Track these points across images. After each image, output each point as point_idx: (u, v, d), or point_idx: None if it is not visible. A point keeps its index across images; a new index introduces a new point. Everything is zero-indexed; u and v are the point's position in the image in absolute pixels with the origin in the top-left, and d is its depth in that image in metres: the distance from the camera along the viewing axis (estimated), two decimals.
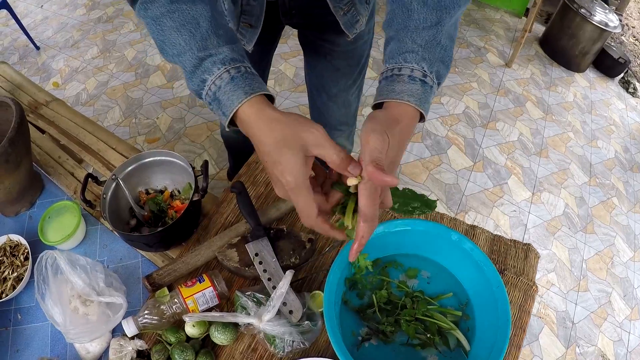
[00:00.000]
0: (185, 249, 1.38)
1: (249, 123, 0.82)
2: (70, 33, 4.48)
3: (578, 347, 2.59)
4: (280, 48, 1.66)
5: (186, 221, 1.35)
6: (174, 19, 0.86)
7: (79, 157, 1.74)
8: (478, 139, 3.60)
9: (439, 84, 0.88)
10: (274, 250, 1.25)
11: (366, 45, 1.69)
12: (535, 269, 1.35)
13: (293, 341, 1.11)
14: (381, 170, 0.73)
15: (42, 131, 1.84)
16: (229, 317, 1.11)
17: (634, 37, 5.19)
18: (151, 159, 1.47)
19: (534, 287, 1.30)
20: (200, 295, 1.17)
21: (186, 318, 1.12)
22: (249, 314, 1.11)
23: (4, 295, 1.33)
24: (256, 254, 1.23)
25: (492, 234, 1.42)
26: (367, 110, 3.67)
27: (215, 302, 1.20)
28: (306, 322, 1.12)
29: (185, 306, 1.17)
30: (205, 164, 1.36)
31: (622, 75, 4.59)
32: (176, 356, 1.11)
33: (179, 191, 1.53)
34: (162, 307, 1.16)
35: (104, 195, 1.37)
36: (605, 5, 4.30)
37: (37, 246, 1.42)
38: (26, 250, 1.40)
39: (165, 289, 1.27)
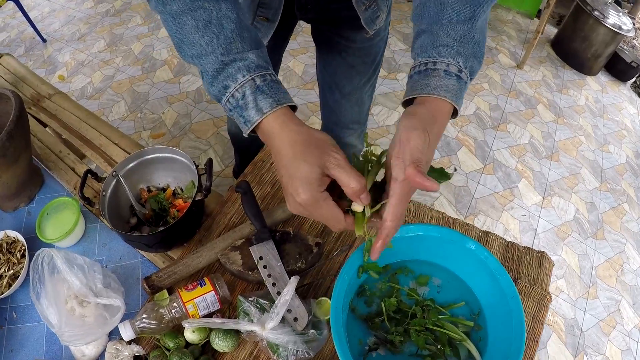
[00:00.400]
0: (187, 250, 1.34)
1: (272, 134, 0.81)
2: (77, 26, 4.45)
3: (586, 355, 2.54)
4: (289, 44, 1.65)
5: (188, 221, 1.30)
6: (196, 18, 0.82)
7: (80, 152, 1.71)
8: (489, 140, 3.55)
9: (470, 79, 0.87)
10: (279, 253, 1.20)
11: (382, 43, 1.64)
12: (549, 278, 1.30)
13: (297, 350, 1.06)
14: (422, 174, 0.72)
15: (44, 124, 1.81)
16: (230, 324, 1.06)
17: None
18: (154, 155, 1.43)
19: (547, 297, 1.25)
20: (201, 300, 1.13)
21: (186, 324, 1.07)
22: (252, 321, 1.07)
23: None
24: (260, 258, 1.18)
25: (505, 240, 1.38)
26: (376, 109, 3.64)
27: (217, 307, 1.16)
28: (311, 330, 1.08)
29: (185, 311, 1.12)
30: (209, 162, 1.32)
31: (634, 79, 4.53)
32: None
33: (181, 189, 1.49)
34: (161, 310, 1.12)
35: (104, 193, 1.33)
36: (619, 8, 4.25)
37: (35, 243, 1.38)
38: (23, 247, 1.37)
39: (165, 291, 1.23)
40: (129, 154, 1.58)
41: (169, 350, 1.12)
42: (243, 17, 0.86)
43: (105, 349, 1.17)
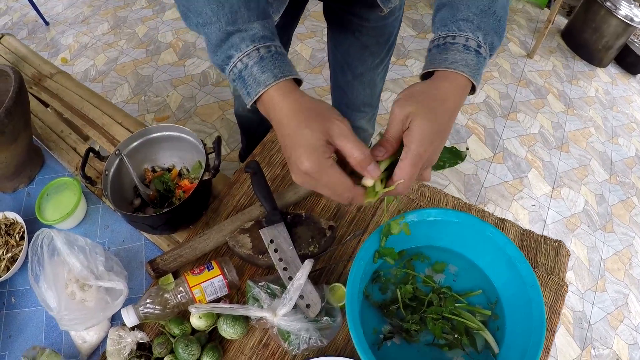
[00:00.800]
0: (193, 232, 1.29)
1: (273, 106, 0.79)
2: (80, 9, 4.41)
3: (593, 348, 2.53)
4: (297, 28, 1.64)
5: (195, 202, 1.25)
6: None
7: (83, 132, 1.66)
8: (498, 129, 3.51)
9: (490, 55, 0.85)
10: (290, 237, 1.15)
11: (396, 23, 1.60)
12: (566, 267, 1.26)
13: (310, 338, 1.01)
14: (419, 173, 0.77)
15: (46, 104, 1.77)
16: (240, 310, 1.01)
17: None
18: (159, 134, 1.38)
19: (564, 287, 1.21)
20: (208, 284, 1.08)
21: (192, 309, 1.02)
22: (262, 307, 1.02)
23: None
24: (271, 241, 1.12)
25: (521, 228, 1.33)
26: (385, 95, 3.60)
27: (225, 292, 1.11)
28: (325, 317, 1.03)
29: (191, 296, 1.07)
30: (218, 140, 1.26)
31: None
32: (180, 350, 1.02)
33: (187, 170, 1.44)
34: (165, 295, 1.07)
35: (106, 172, 1.28)
36: (631, 0, 4.18)
37: (34, 225, 1.35)
38: (22, 229, 1.33)
39: (170, 275, 1.18)
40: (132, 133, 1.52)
41: (174, 337, 1.07)
42: None
43: (107, 335, 1.13)
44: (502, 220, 1.34)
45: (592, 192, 3.26)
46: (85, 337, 1.14)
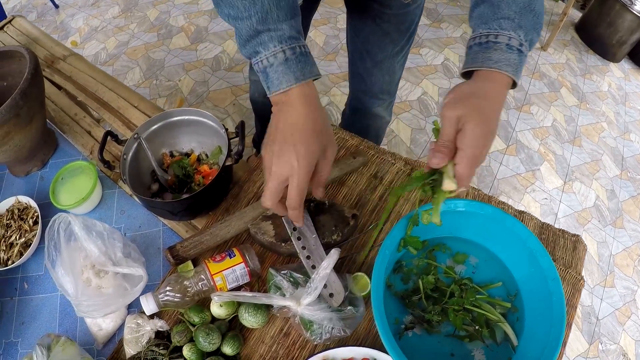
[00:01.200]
0: (213, 218, 1.27)
1: (291, 102, 0.85)
2: None
3: (601, 344, 2.52)
4: None
5: (216, 188, 1.23)
6: None
7: (96, 115, 1.63)
8: (512, 121, 3.49)
9: (529, 51, 0.87)
10: (313, 225, 1.12)
11: (418, 10, 1.57)
12: (582, 262, 1.25)
13: (333, 328, 0.99)
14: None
15: (59, 87, 1.74)
16: (262, 299, 0.99)
17: None
18: (178, 117, 1.35)
19: (581, 281, 1.19)
20: (229, 272, 1.05)
21: (215, 297, 1.00)
22: (284, 295, 1.00)
23: (10, 262, 1.25)
24: (294, 229, 1.10)
25: (540, 221, 1.31)
26: (400, 84, 3.52)
27: (246, 279, 1.09)
28: (349, 307, 1.00)
29: (212, 283, 1.05)
30: (242, 125, 1.24)
31: None
32: (200, 339, 1.00)
33: (206, 155, 1.41)
34: (185, 283, 1.05)
35: (125, 156, 1.26)
36: None
37: (48, 210, 1.33)
38: (36, 214, 1.32)
39: (190, 263, 1.16)
40: (150, 117, 1.50)
41: (193, 325, 1.05)
42: None
43: (123, 322, 1.12)
44: (521, 212, 1.32)
45: (603, 187, 3.24)
46: (102, 324, 1.13)
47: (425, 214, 0.98)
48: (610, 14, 4.05)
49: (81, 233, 1.08)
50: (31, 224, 1.30)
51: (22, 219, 1.31)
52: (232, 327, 1.09)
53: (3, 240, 1.28)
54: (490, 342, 1.05)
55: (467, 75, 0.88)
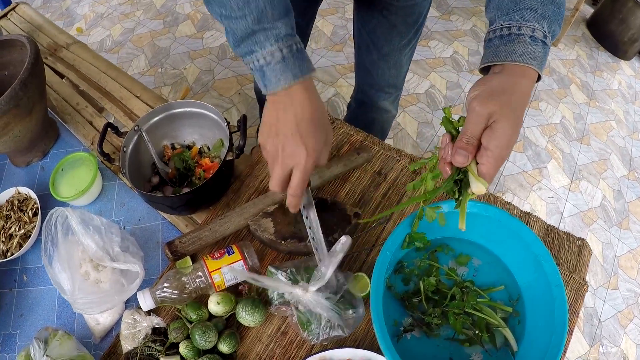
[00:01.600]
0: (213, 213, 1.26)
1: (293, 98, 0.86)
2: None
3: (602, 346, 2.50)
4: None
5: (217, 183, 1.21)
6: None
7: (99, 105, 1.62)
8: None
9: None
10: None
11: (426, 2, 1.54)
12: (587, 266, 1.23)
13: (330, 328, 0.98)
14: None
15: (61, 76, 1.73)
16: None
17: None
18: (180, 110, 1.34)
19: (585, 287, 1.18)
20: (228, 269, 1.05)
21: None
22: (283, 295, 0.99)
23: (9, 254, 1.25)
24: (306, 217, 1.05)
25: (546, 224, 1.29)
26: (407, 76, 3.50)
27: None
28: (350, 310, 0.99)
29: (210, 281, 1.04)
30: (244, 119, 1.22)
31: None
32: (197, 337, 1.00)
33: (208, 148, 1.40)
34: (183, 279, 1.04)
35: (125, 148, 1.25)
36: None
37: (48, 201, 1.32)
38: (35, 205, 1.31)
39: (188, 258, 1.15)
40: (152, 108, 1.49)
41: (190, 322, 1.05)
42: None
43: (121, 317, 1.11)
44: (527, 214, 1.30)
45: (610, 187, 3.20)
46: (99, 319, 1.12)
47: (431, 211, 0.96)
48: (622, 10, 3.99)
49: (78, 228, 1.07)
50: (31, 215, 1.29)
51: (21, 210, 1.31)
52: (229, 325, 1.08)
53: (2, 231, 1.27)
54: (489, 346, 1.04)
55: (485, 70, 0.85)
